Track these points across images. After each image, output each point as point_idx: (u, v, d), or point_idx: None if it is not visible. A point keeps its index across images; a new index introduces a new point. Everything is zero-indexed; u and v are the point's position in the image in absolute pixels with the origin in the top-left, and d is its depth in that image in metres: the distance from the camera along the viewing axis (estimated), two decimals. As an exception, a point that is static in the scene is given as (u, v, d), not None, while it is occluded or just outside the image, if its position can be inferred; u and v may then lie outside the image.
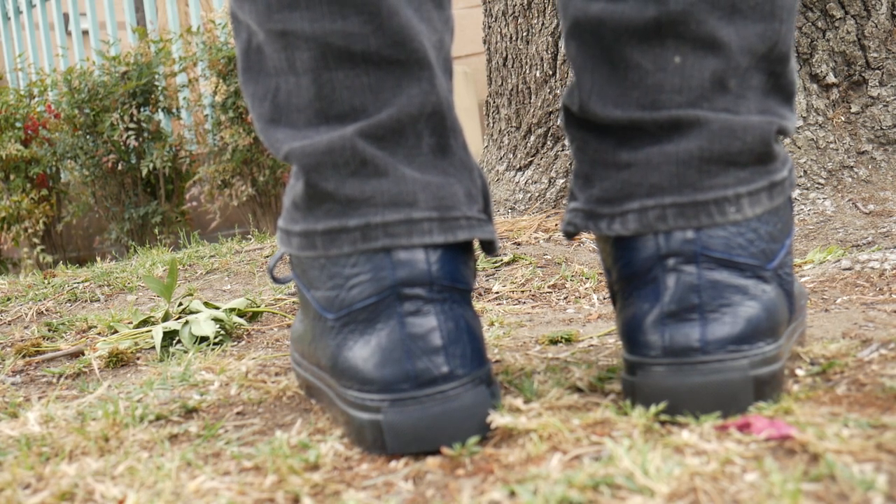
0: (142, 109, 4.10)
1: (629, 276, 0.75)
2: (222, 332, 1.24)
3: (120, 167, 4.11)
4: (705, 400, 0.70)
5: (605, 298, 1.34)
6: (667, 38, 0.72)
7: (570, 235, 0.80)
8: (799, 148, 1.77)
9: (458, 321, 0.72)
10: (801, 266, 1.39)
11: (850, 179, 1.73)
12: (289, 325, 1.30)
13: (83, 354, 1.23)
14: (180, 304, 1.34)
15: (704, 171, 0.72)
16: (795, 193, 1.72)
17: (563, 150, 2.08)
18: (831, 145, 1.77)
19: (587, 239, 1.74)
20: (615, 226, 0.75)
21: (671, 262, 0.72)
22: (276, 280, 0.93)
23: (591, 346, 1.03)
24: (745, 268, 0.73)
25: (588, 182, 0.78)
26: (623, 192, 0.74)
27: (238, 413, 0.87)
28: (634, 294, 0.74)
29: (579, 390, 0.82)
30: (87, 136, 4.16)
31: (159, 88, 4.16)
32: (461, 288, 0.74)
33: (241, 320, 1.29)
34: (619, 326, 0.76)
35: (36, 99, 4.63)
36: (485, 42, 2.37)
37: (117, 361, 1.16)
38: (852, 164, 1.75)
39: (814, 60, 1.81)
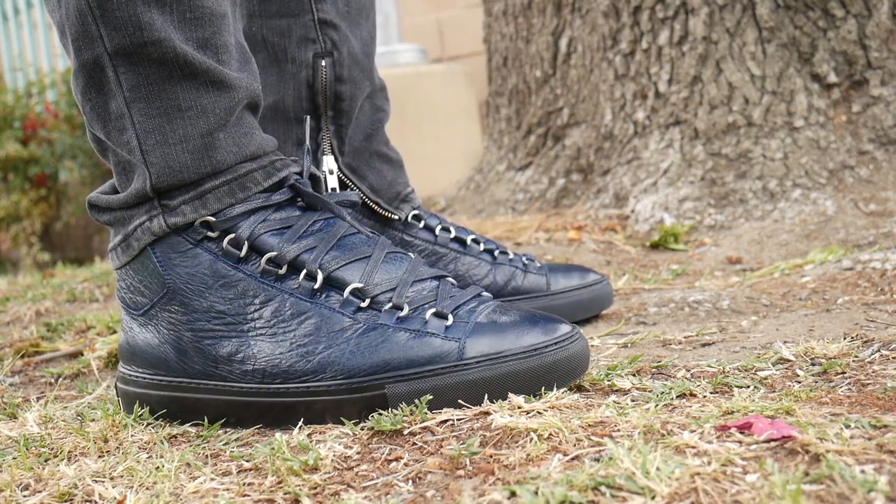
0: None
1: None
2: (222, 332, 1.23)
3: (119, 167, 4.10)
4: None
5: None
6: None
7: None
8: (800, 148, 1.76)
9: None
10: (802, 266, 1.39)
11: (851, 179, 1.72)
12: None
13: (82, 355, 1.23)
14: (180, 304, 1.33)
15: None
16: (797, 193, 1.71)
17: (563, 150, 2.07)
18: (832, 145, 1.77)
19: (587, 239, 1.74)
20: None
21: None
22: None
23: (592, 346, 1.03)
24: None
25: None
26: None
27: (237, 413, 0.87)
28: None
29: (580, 390, 0.82)
30: (86, 136, 4.16)
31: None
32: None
33: (241, 320, 1.29)
34: None
35: (34, 99, 4.63)
36: (485, 42, 2.36)
37: (116, 362, 1.16)
38: (853, 163, 1.75)
39: (815, 60, 1.80)
